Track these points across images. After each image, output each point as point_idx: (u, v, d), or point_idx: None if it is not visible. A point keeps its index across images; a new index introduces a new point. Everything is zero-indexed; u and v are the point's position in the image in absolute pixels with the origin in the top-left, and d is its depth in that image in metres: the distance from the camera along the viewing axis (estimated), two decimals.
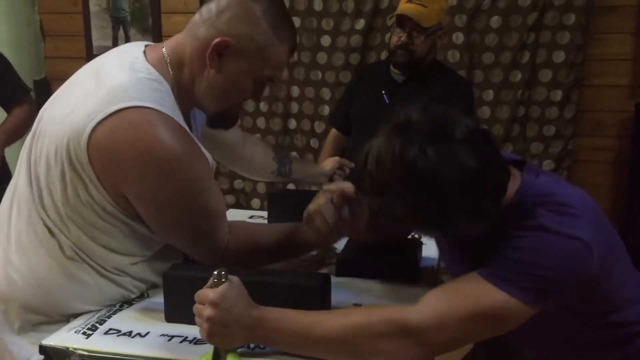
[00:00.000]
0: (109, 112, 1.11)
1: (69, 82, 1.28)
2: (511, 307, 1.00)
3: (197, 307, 1.01)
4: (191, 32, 1.21)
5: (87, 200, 1.16)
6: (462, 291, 1.03)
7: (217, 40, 1.16)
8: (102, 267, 1.23)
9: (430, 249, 1.51)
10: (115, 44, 3.44)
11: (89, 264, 1.21)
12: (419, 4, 2.10)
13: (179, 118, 1.18)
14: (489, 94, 3.05)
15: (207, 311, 0.99)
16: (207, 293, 1.00)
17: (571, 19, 2.90)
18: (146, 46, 1.25)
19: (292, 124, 3.32)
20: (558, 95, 2.99)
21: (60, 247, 1.20)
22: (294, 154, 3.27)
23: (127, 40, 3.44)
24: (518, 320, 1.02)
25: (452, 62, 3.02)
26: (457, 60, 3.04)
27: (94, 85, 1.17)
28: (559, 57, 2.95)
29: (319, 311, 1.07)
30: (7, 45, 3.28)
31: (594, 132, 3.04)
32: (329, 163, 1.82)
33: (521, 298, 1.00)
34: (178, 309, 1.17)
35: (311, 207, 1.25)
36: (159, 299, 1.22)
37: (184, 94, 1.22)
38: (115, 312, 1.22)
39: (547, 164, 3.03)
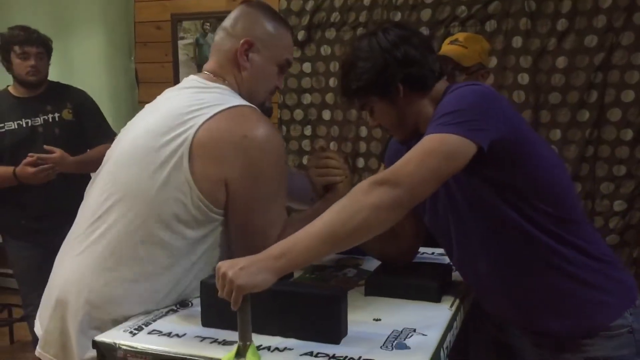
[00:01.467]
0: (216, 111, 1.35)
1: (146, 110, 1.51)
2: (451, 141, 1.19)
3: (217, 285, 1.13)
4: (217, 51, 1.51)
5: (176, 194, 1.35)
6: (411, 150, 1.21)
7: (242, 41, 1.46)
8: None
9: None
10: None
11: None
12: (460, 45, 2.19)
13: None
14: (556, 134, 3.05)
15: (221, 271, 1.11)
16: (216, 267, 1.13)
17: None
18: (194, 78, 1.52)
19: (360, 162, 3.45)
20: (629, 134, 2.94)
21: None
22: None
23: None
24: (463, 152, 1.19)
25: (517, 102, 3.07)
26: (523, 100, 3.07)
27: (184, 102, 1.40)
28: (629, 96, 2.92)
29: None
30: (105, 91, 3.67)
31: None
32: None
33: (451, 131, 1.19)
34: (213, 315, 1.30)
35: (316, 163, 1.60)
36: (197, 306, 1.36)
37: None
38: (160, 317, 1.37)
39: (618, 204, 2.96)
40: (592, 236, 1.38)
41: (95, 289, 1.37)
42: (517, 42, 3.06)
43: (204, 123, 1.34)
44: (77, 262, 1.40)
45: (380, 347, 1.17)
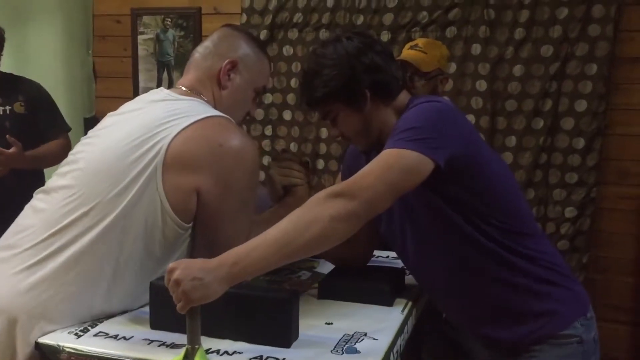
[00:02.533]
0: (190, 122, 1.34)
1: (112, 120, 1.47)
2: (408, 157, 1.21)
3: (167, 286, 1.10)
4: (198, 67, 1.49)
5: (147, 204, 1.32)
6: (370, 163, 1.24)
7: (227, 61, 1.46)
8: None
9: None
10: (159, 85, 3.69)
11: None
12: (419, 50, 2.22)
13: None
14: (512, 140, 3.10)
15: (173, 276, 1.08)
16: (168, 267, 1.11)
17: (593, 69, 2.95)
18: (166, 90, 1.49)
19: (320, 164, 3.43)
20: (580, 143, 3.01)
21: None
22: None
23: (171, 81, 3.68)
24: (421, 169, 1.22)
25: (475, 108, 3.11)
26: (481, 106, 3.12)
27: (157, 113, 1.37)
28: (581, 105, 2.99)
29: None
30: (62, 84, 3.57)
31: (618, 180, 3.04)
32: None
33: (409, 147, 1.22)
34: (162, 318, 1.28)
35: (276, 168, 1.57)
36: (146, 308, 1.34)
37: None
38: (107, 318, 1.34)
39: (570, 211, 3.04)
40: (544, 247, 1.42)
41: (51, 306, 1.29)
42: (476, 49, 3.11)
43: (179, 132, 1.33)
44: (29, 274, 1.30)
45: (331, 352, 1.17)
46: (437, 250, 1.39)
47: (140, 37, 3.72)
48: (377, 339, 1.23)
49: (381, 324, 1.31)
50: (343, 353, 1.16)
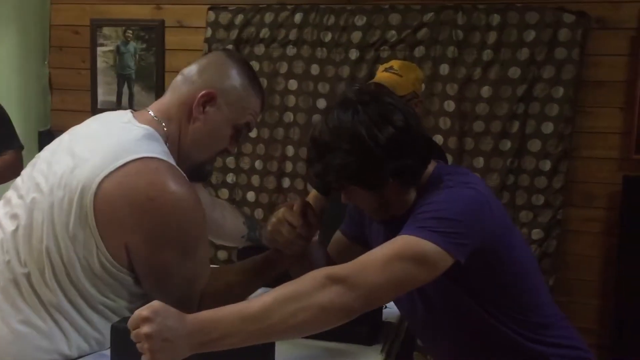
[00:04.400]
0: (117, 166, 1.20)
1: (57, 144, 1.35)
2: (426, 249, 1.08)
3: (133, 333, 1.01)
4: (175, 91, 1.36)
5: (84, 250, 1.22)
6: (383, 246, 1.12)
7: (203, 92, 1.31)
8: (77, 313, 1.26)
9: (391, 311, 1.52)
10: (119, 99, 3.57)
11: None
12: (394, 73, 2.18)
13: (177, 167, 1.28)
14: (480, 161, 3.09)
15: (144, 329, 0.98)
16: (139, 313, 1.00)
17: (559, 92, 2.97)
18: (132, 112, 1.37)
19: (286, 182, 3.37)
20: (547, 165, 3.02)
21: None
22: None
23: (131, 96, 3.56)
24: (437, 264, 1.09)
25: (443, 129, 3.10)
26: (449, 127, 3.10)
27: (95, 144, 1.26)
28: (548, 128, 3.01)
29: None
30: (16, 96, 3.42)
31: (584, 203, 3.06)
32: None
33: (432, 240, 1.08)
34: None
35: (273, 219, 1.31)
36: (107, 351, 1.24)
37: (173, 148, 1.33)
38: None
39: (536, 233, 3.04)
40: (564, 332, 1.32)
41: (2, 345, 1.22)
42: (444, 69, 3.09)
43: (106, 177, 1.19)
44: None
45: None
46: (447, 325, 1.31)
47: (99, 49, 3.59)
48: None
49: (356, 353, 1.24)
50: None
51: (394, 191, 1.22)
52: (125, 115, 1.35)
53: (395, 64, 2.23)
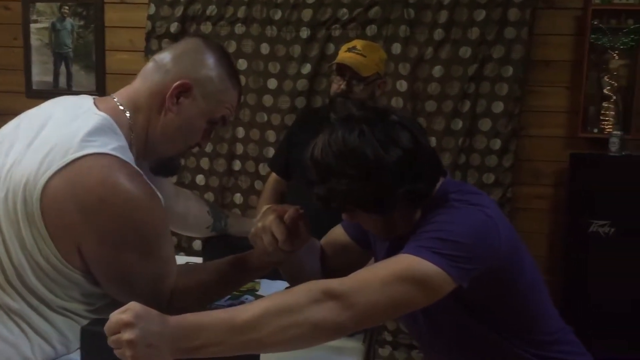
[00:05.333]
0: (66, 162, 1.10)
1: (8, 130, 1.25)
2: (429, 271, 1.03)
3: (112, 338, 0.94)
4: (146, 78, 1.27)
5: (32, 251, 1.13)
6: (383, 263, 1.08)
7: (178, 82, 1.23)
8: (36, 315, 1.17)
9: None
10: (56, 80, 3.37)
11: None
12: (358, 53, 2.14)
13: (132, 162, 1.18)
14: (432, 141, 3.10)
15: (127, 335, 0.91)
16: (119, 317, 0.93)
17: (509, 71, 3.01)
18: (94, 99, 1.27)
19: (237, 165, 3.29)
20: (497, 144, 3.06)
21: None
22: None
23: (69, 76, 3.37)
24: (438, 288, 1.04)
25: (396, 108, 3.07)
26: (401, 107, 3.09)
27: (45, 135, 1.17)
28: (498, 107, 3.04)
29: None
30: None
31: (532, 180, 3.13)
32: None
33: (436, 262, 1.03)
34: None
35: (259, 224, 1.23)
36: (76, 356, 1.16)
37: (139, 140, 1.25)
38: None
39: None
40: (569, 347, 1.29)
41: None
42: (396, 48, 3.07)
43: (54, 174, 1.10)
44: None
45: None
46: (450, 342, 1.27)
47: (33, 26, 3.37)
48: None
49: (342, 358, 1.21)
50: None
51: (401, 213, 1.16)
52: (86, 102, 1.24)
53: (358, 43, 2.18)
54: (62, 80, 3.37)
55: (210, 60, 1.26)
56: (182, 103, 1.24)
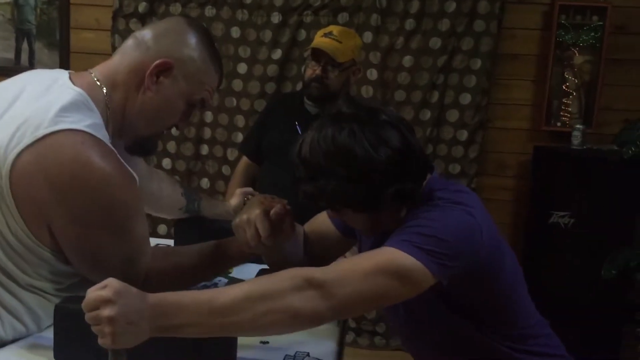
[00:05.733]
0: (37, 137, 1.07)
1: None
2: (411, 266, 1.04)
3: (91, 315, 0.91)
4: (125, 55, 1.24)
5: (2, 227, 1.10)
6: (365, 255, 1.09)
7: (159, 61, 1.19)
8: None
9: None
10: (18, 57, 3.27)
11: None
12: (334, 39, 2.13)
13: (106, 140, 1.15)
14: None
15: (107, 311, 0.89)
16: (99, 294, 0.91)
17: (477, 63, 3.05)
18: (70, 73, 1.23)
19: (205, 149, 3.26)
20: (464, 135, 3.11)
21: None
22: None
23: (32, 54, 3.27)
24: (418, 282, 1.05)
25: (366, 97, 3.09)
26: (371, 95, 3.11)
27: (17, 108, 1.13)
28: (466, 99, 3.09)
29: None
30: None
31: (496, 172, 3.19)
32: (235, 199, 1.77)
33: (417, 257, 1.04)
34: (69, 347, 1.09)
35: (243, 215, 1.22)
36: (48, 334, 1.13)
37: (116, 118, 1.22)
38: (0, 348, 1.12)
39: None
40: (547, 341, 1.30)
41: None
42: (367, 37, 3.07)
43: (25, 149, 1.07)
44: None
45: None
46: (430, 336, 1.28)
47: None
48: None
49: (320, 340, 1.22)
50: None
51: (389, 211, 1.16)
52: (61, 76, 1.21)
53: (334, 29, 2.18)
54: (24, 58, 3.27)
55: (192, 40, 1.24)
56: (161, 82, 1.21)
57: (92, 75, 1.22)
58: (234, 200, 1.77)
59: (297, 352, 1.17)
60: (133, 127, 1.24)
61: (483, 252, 1.11)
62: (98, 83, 1.21)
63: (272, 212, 1.20)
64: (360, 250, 1.35)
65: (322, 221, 1.40)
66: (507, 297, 1.22)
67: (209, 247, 1.31)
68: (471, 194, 1.20)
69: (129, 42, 1.24)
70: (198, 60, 1.23)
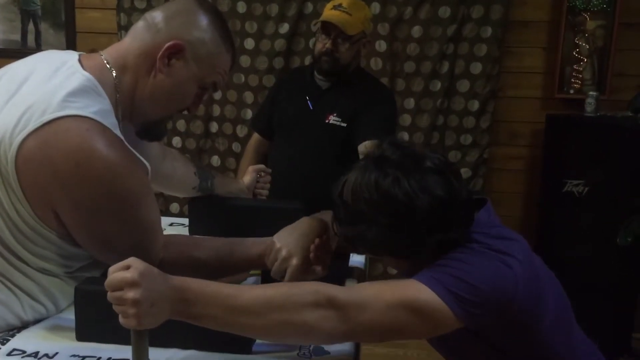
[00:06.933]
0: (43, 122, 1.06)
1: None
2: (435, 306, 1.01)
3: (114, 295, 0.92)
4: (135, 37, 1.22)
5: (9, 211, 1.10)
6: (392, 283, 1.06)
7: (170, 43, 1.17)
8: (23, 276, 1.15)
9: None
10: (24, 38, 3.25)
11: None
12: (344, 11, 2.10)
13: (114, 127, 1.14)
14: (410, 102, 3.10)
15: (131, 294, 0.90)
16: (123, 275, 0.91)
17: (488, 31, 3.00)
18: (80, 55, 1.22)
19: (214, 127, 3.25)
20: (475, 105, 3.08)
21: None
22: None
23: (38, 35, 3.25)
24: (441, 324, 1.02)
25: (375, 69, 3.05)
26: (380, 67, 3.07)
27: (24, 91, 1.12)
28: (477, 68, 3.04)
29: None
30: None
31: (508, 141, 3.16)
32: (248, 176, 1.77)
33: (444, 298, 1.01)
34: (91, 327, 1.10)
35: (284, 251, 1.22)
36: (69, 315, 1.14)
37: (125, 101, 1.20)
38: (20, 330, 1.13)
39: (464, 172, 3.11)
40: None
41: None
42: (375, 8, 3.03)
43: (30, 134, 1.06)
44: None
45: (298, 354, 1.06)
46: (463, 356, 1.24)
47: None
48: None
49: None
50: (312, 355, 1.07)
51: (428, 257, 1.10)
52: (71, 58, 1.19)
53: (344, 1, 2.14)
54: (30, 39, 3.25)
55: (204, 22, 1.21)
56: (173, 65, 1.19)
57: (102, 57, 1.20)
58: (246, 178, 1.76)
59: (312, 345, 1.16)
60: (144, 111, 1.23)
61: (517, 305, 1.06)
62: (108, 66, 1.19)
63: (310, 268, 1.21)
64: None
65: None
66: (547, 347, 1.15)
67: (229, 244, 1.30)
68: (515, 241, 1.14)
69: (140, 24, 1.22)
70: (209, 42, 1.21)
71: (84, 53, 1.24)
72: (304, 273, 1.20)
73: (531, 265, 1.12)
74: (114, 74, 1.19)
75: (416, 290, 1.01)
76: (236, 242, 1.30)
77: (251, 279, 1.40)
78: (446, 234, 1.07)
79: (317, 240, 1.24)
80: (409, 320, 1.01)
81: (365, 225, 1.08)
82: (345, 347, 1.11)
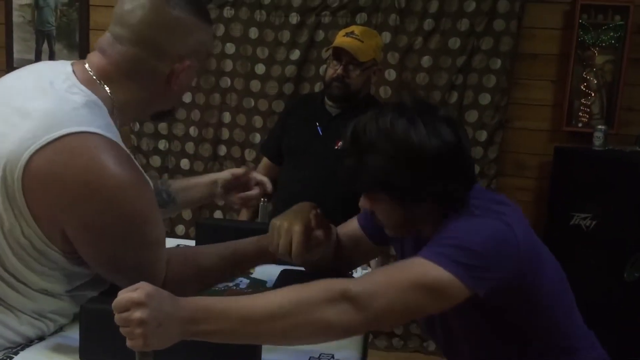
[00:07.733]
0: (49, 139, 1.05)
1: None
2: (445, 280, 1.02)
3: (121, 316, 0.91)
4: (115, 50, 1.17)
5: (13, 231, 1.09)
6: (399, 266, 1.08)
7: (184, 64, 1.20)
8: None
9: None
10: (38, 58, 3.30)
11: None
12: (356, 38, 2.13)
13: (118, 139, 1.13)
14: None
15: (137, 314, 0.89)
16: (130, 296, 0.90)
17: (497, 63, 3.02)
18: (74, 71, 1.18)
19: (222, 150, 3.27)
20: (483, 135, 3.08)
21: None
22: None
23: (52, 55, 3.30)
24: (453, 296, 1.04)
25: (384, 97, 3.07)
26: (389, 96, 3.09)
27: (24, 105, 1.10)
28: (485, 99, 3.06)
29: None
30: None
31: (516, 172, 3.16)
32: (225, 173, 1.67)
33: (452, 271, 1.02)
34: (95, 346, 1.09)
35: (285, 222, 1.23)
36: (73, 334, 1.14)
37: (125, 110, 1.21)
38: (24, 348, 1.13)
39: None
40: (594, 353, 1.28)
41: None
42: (385, 37, 3.06)
43: (37, 151, 1.04)
44: None
45: None
46: (467, 348, 1.26)
47: (15, 2, 3.29)
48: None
49: (343, 342, 1.21)
50: None
51: (426, 212, 1.14)
52: (65, 69, 1.17)
53: (356, 29, 2.18)
54: (44, 59, 3.30)
55: (185, 23, 1.19)
56: (181, 77, 1.22)
57: (91, 73, 1.17)
58: (215, 175, 1.66)
59: (321, 354, 1.16)
60: (153, 107, 1.28)
61: (519, 262, 1.09)
62: (98, 81, 1.17)
63: (313, 234, 1.22)
64: (402, 252, 1.34)
65: (353, 227, 1.41)
66: (548, 310, 1.18)
67: (228, 249, 1.30)
68: (511, 206, 1.16)
69: (108, 37, 1.19)
70: (200, 33, 1.22)
71: (75, 62, 1.20)
72: (308, 240, 1.22)
73: (528, 227, 1.15)
74: (108, 89, 1.17)
75: (424, 269, 1.03)
76: (236, 242, 1.32)
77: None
78: (447, 184, 1.10)
79: (314, 211, 1.27)
80: (422, 300, 1.02)
81: (372, 155, 1.11)
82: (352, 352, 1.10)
